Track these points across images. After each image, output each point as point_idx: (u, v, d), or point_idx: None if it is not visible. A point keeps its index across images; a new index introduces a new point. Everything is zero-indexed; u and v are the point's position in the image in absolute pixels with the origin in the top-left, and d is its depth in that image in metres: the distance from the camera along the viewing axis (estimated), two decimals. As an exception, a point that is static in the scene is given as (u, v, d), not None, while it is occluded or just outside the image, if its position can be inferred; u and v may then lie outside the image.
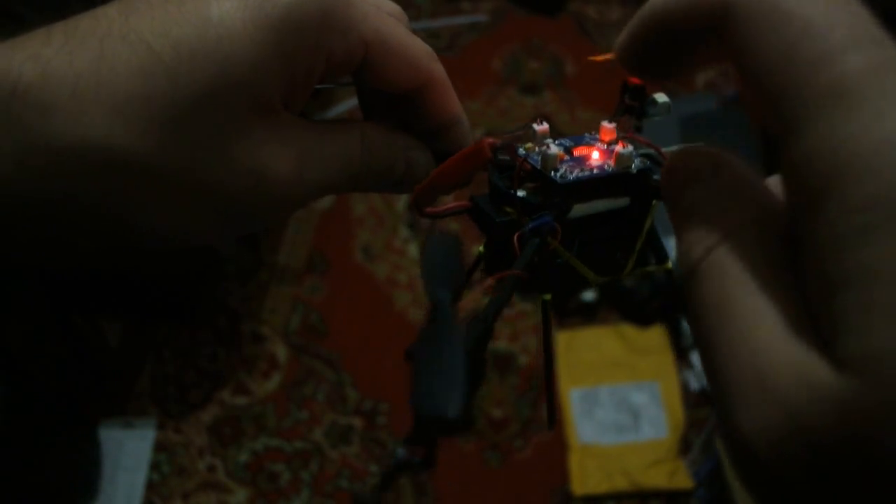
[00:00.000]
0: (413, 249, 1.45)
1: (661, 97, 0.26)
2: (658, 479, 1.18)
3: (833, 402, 0.15)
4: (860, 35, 0.16)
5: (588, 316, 1.34)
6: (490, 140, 0.25)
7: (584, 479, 1.19)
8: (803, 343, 0.16)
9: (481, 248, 0.29)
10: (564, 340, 1.32)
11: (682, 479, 1.18)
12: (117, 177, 0.22)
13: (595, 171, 0.26)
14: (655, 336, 1.31)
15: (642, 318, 1.32)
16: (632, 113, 0.26)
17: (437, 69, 0.28)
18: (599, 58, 0.27)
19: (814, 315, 0.16)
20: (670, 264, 0.28)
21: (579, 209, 0.26)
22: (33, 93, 0.21)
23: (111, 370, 1.30)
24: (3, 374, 1.01)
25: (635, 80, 0.25)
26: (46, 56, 0.22)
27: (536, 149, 0.26)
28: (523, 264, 0.24)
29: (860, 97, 0.15)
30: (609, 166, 0.26)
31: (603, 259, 0.26)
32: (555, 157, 0.26)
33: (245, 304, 1.39)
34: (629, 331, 1.32)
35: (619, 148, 0.26)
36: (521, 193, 0.26)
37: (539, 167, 0.26)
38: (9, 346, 1.03)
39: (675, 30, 0.19)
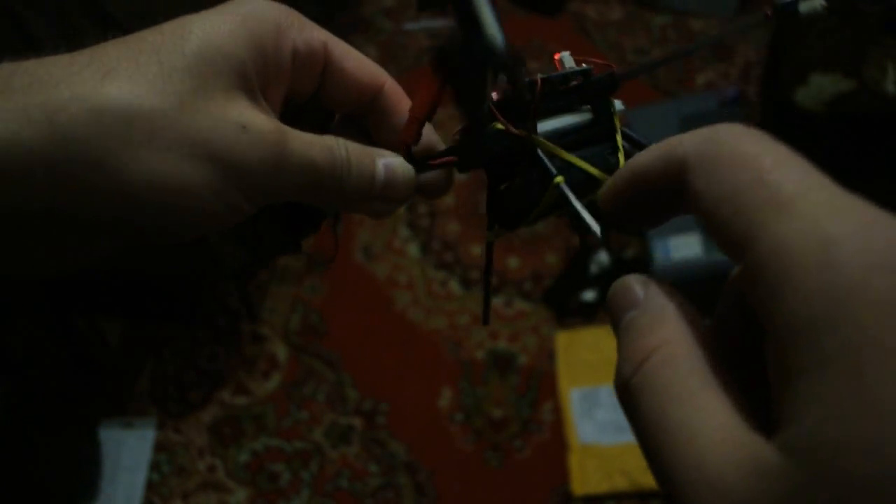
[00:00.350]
0: (413, 249, 1.45)
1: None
2: (658, 479, 1.18)
3: (783, 485, 0.16)
4: (786, 161, 0.19)
5: (588, 316, 1.34)
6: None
7: (584, 479, 1.19)
8: (746, 438, 0.17)
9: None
10: (564, 340, 1.32)
11: (682, 479, 1.18)
12: (109, 123, 0.24)
13: None
14: (655, 336, 1.31)
15: (642, 318, 1.32)
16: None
17: (390, 78, 0.32)
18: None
19: (772, 404, 0.18)
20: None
21: (549, 123, 0.29)
22: (32, 68, 0.24)
23: (111, 370, 1.30)
24: (3, 374, 1.01)
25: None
26: (46, 55, 0.25)
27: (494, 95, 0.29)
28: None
29: (795, 208, 0.18)
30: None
31: (599, 164, 0.29)
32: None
33: (245, 304, 1.39)
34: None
35: (557, 56, 0.29)
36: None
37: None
38: (9, 346, 1.03)
39: (647, 186, 0.22)
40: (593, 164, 0.28)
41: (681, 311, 0.21)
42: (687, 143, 0.21)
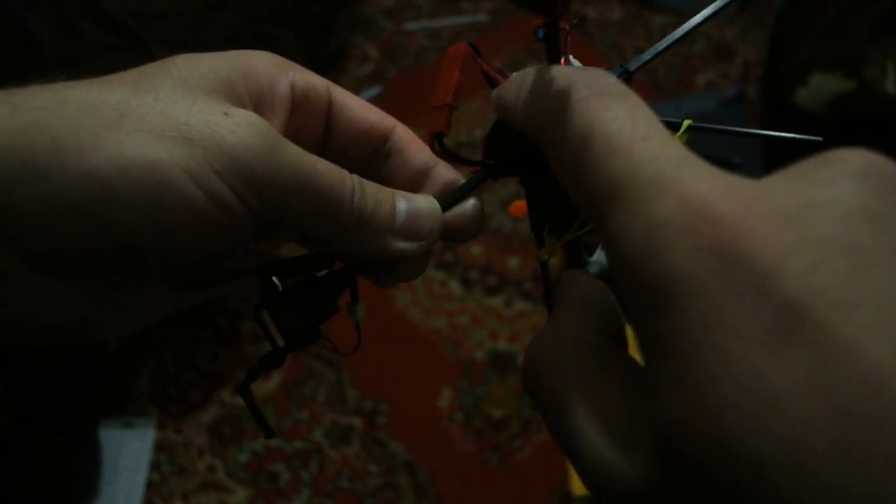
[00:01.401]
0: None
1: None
2: (658, 479, 1.18)
3: (651, 467, 0.17)
4: (622, 145, 0.19)
5: (588, 316, 1.34)
6: (461, 42, 0.28)
7: (584, 479, 1.19)
8: (616, 438, 0.19)
9: (544, 257, 0.30)
10: (564, 340, 1.32)
11: (682, 479, 1.17)
12: (73, 110, 0.23)
13: None
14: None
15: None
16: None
17: (400, 123, 0.31)
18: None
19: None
20: None
21: None
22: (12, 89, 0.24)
23: (111, 370, 1.30)
24: (3, 374, 1.01)
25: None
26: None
27: None
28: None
29: (623, 195, 0.18)
30: None
31: None
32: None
33: (245, 304, 1.39)
34: (629, 330, 1.32)
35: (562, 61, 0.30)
36: None
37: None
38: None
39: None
40: None
41: (591, 302, 0.23)
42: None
